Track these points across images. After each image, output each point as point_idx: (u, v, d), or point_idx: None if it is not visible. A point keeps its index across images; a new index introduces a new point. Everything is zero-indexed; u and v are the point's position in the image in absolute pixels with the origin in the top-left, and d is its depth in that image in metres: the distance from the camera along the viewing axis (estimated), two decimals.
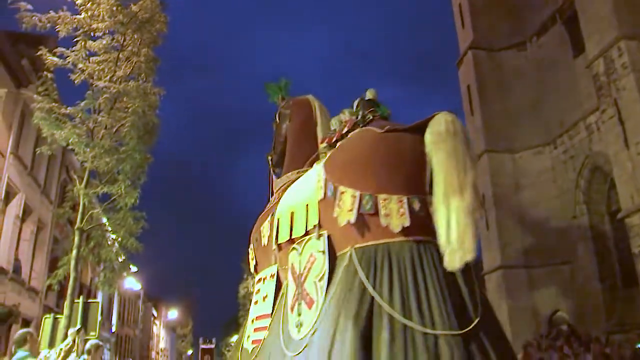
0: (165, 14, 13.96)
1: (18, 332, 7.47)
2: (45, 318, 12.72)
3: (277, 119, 6.90)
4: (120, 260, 14.79)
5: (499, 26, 23.64)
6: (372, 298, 3.89)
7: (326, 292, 4.25)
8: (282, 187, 6.36)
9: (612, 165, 16.60)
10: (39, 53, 12.24)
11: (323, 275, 4.35)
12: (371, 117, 4.93)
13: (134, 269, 37.34)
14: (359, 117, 5.00)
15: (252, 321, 5.99)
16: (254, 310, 6.05)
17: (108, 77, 12.68)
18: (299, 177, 6.25)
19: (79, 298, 12.64)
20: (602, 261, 18.82)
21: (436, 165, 3.94)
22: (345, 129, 5.06)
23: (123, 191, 12.22)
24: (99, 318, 12.57)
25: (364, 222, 4.17)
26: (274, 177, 6.89)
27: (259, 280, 6.14)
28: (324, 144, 5.58)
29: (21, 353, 6.83)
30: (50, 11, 11.95)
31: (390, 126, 4.33)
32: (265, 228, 6.02)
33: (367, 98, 5.17)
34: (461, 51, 24.84)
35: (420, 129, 4.14)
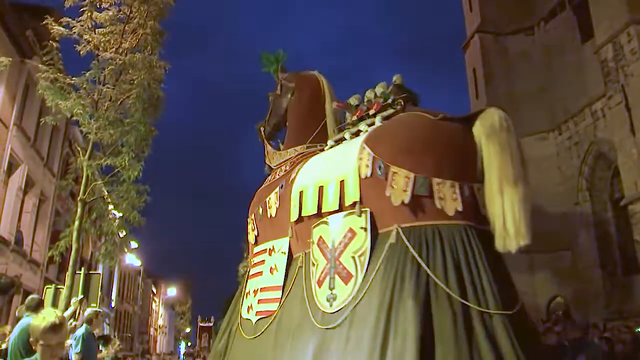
0: None
1: (30, 297, 7.48)
2: (47, 288, 12.79)
3: (279, 90, 6.87)
4: (121, 234, 14.80)
5: (507, 10, 23.41)
6: (428, 277, 4.05)
7: (367, 268, 4.39)
8: (292, 160, 6.34)
9: (617, 152, 16.54)
10: (44, 22, 12.12)
11: (364, 251, 4.47)
12: (402, 103, 5.29)
13: (134, 245, 37.57)
14: (390, 100, 5.35)
15: (255, 292, 5.98)
16: (256, 282, 6.05)
17: (114, 48, 12.57)
18: (309, 151, 6.28)
19: (80, 270, 12.69)
20: (603, 248, 18.84)
21: (491, 157, 4.32)
22: (373, 110, 5.43)
23: (127, 163, 12.15)
24: (100, 290, 12.64)
25: (417, 203, 4.33)
26: (269, 148, 6.86)
27: (262, 251, 6.13)
28: (353, 117, 5.72)
29: (29, 318, 6.82)
30: None
31: (438, 114, 4.65)
32: (271, 199, 6.03)
33: (396, 83, 5.45)
34: (468, 34, 24.65)
35: (469, 120, 4.55)
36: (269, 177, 6.61)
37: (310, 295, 4.78)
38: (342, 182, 4.84)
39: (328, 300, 4.57)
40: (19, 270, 18.10)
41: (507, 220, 4.10)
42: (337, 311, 4.43)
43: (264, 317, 5.57)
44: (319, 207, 5.03)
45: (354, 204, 4.66)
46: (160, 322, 62.94)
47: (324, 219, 4.93)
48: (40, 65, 12.07)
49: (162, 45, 13.52)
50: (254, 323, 5.73)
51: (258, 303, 5.80)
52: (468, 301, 3.89)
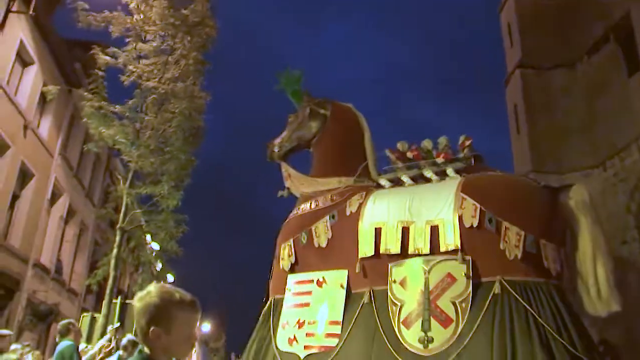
0: (215, 20, 14.11)
1: (61, 322, 7.56)
2: (83, 316, 12.83)
3: (307, 114, 6.74)
4: (159, 266, 14.84)
5: (548, 45, 23.08)
6: (544, 330, 4.48)
7: (468, 314, 4.70)
8: (341, 192, 6.17)
9: None
10: (92, 52, 12.48)
11: (466, 297, 4.77)
12: (474, 159, 5.84)
13: (170, 278, 37.75)
14: (461, 155, 5.91)
15: (300, 324, 5.72)
16: (301, 313, 5.80)
17: (157, 78, 12.84)
18: (360, 185, 6.15)
19: (116, 299, 12.70)
20: None
21: (586, 229, 4.99)
22: (442, 159, 5.90)
23: (166, 192, 12.25)
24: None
25: (526, 259, 4.79)
26: (292, 171, 6.69)
27: (307, 281, 5.93)
28: (439, 158, 5.99)
29: (65, 342, 6.91)
30: (105, 11, 12.18)
31: (532, 179, 5.68)
32: (320, 228, 5.88)
33: (467, 144, 5.99)
34: (509, 70, 24.39)
35: (559, 191, 5.28)
36: (305, 204, 6.42)
37: (392, 334, 4.91)
38: (433, 226, 5.11)
39: (421, 341, 4.76)
40: (58, 299, 18.26)
41: (602, 289, 4.84)
42: (435, 354, 4.67)
43: (318, 353, 5.37)
44: (403, 247, 5.21)
45: (455, 251, 4.93)
46: (194, 358, 62.61)
47: (411, 260, 5.12)
48: (85, 94, 12.36)
49: (204, 75, 13.77)
50: (302, 357, 5.49)
51: (306, 336, 5.56)
52: (580, 353, 4.36)
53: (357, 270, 5.41)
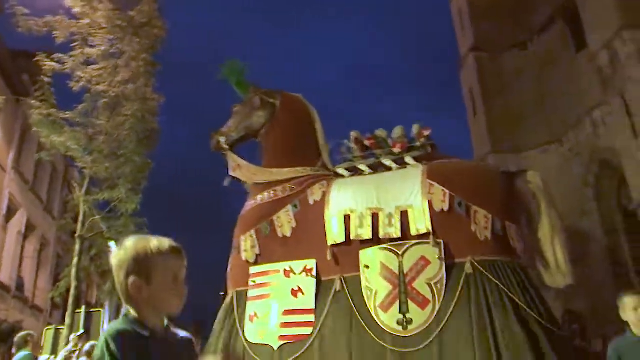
0: (164, 20, 13.87)
1: (18, 334, 7.33)
2: (47, 330, 12.50)
3: (257, 104, 6.63)
4: None
5: (499, 28, 23.48)
6: (516, 304, 4.78)
7: (444, 294, 4.93)
8: (301, 181, 6.12)
9: (621, 158, 16.30)
10: (36, 59, 12.13)
11: (441, 279, 5.01)
12: (431, 148, 6.12)
13: None
14: (418, 144, 6.15)
15: (269, 315, 5.60)
16: (270, 304, 5.66)
17: (107, 82, 12.55)
18: (320, 174, 6.13)
19: (80, 309, 12.40)
20: (615, 258, 18.40)
21: (544, 211, 5.45)
22: (398, 149, 6.10)
23: (124, 195, 12.00)
24: (102, 327, 12.30)
25: (496, 240, 5.14)
26: (242, 161, 6.56)
27: (273, 271, 5.77)
28: (395, 147, 6.19)
29: (22, 353, 6.66)
30: (47, 16, 11.85)
31: (486, 164, 6.19)
32: (282, 218, 5.81)
33: (426, 134, 6.24)
34: (462, 55, 24.73)
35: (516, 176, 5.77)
36: (261, 194, 6.28)
37: (369, 319, 5.04)
38: (403, 212, 5.31)
39: (400, 323, 4.95)
40: (21, 317, 17.75)
41: (560, 263, 5.34)
42: (415, 334, 4.87)
43: (292, 342, 5.29)
44: (374, 233, 5.34)
45: (427, 234, 5.15)
46: None
47: (383, 245, 5.26)
48: (33, 102, 12.01)
49: (155, 76, 13.53)
50: (276, 348, 5.39)
51: (279, 327, 5.47)
52: (551, 326, 4.76)
53: (328, 258, 5.43)
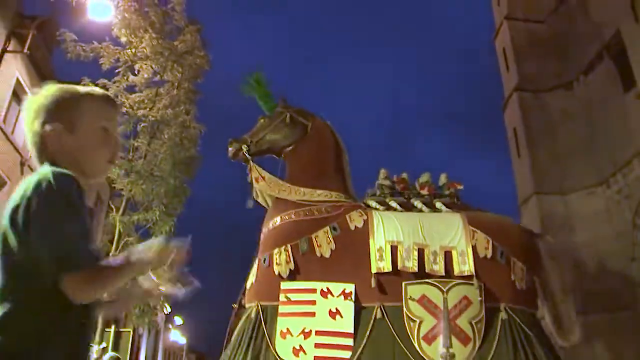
0: (206, 51, 14.28)
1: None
2: None
3: (286, 120, 6.64)
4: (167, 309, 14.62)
5: (544, 67, 23.25)
6: (540, 351, 5.38)
7: (483, 334, 5.36)
8: (336, 205, 6.15)
9: None
10: (81, 83, 12.64)
11: (481, 319, 5.46)
12: (456, 195, 6.65)
13: (179, 321, 37.27)
14: (443, 190, 6.74)
15: (306, 334, 5.45)
16: (306, 322, 5.58)
17: (147, 108, 12.94)
18: (356, 204, 6.24)
19: (110, 328, 12.51)
20: None
21: (554, 274, 6.06)
22: (426, 191, 6.67)
23: (157, 217, 12.17)
24: (130, 348, 12.37)
25: (526, 290, 5.74)
26: (266, 173, 6.56)
27: (309, 290, 5.73)
28: (423, 190, 6.76)
29: None
30: (94, 42, 12.41)
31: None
32: (321, 238, 5.80)
33: (459, 187, 6.87)
34: (506, 94, 24.50)
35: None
36: (291, 211, 6.25)
37: (412, 349, 5.31)
38: (447, 252, 5.72)
39: (444, 357, 5.18)
40: None
41: (571, 323, 6.08)
42: None
43: None
44: (420, 267, 5.67)
45: (470, 276, 5.60)
46: None
47: (430, 280, 5.57)
48: None
49: (196, 105, 13.86)
50: None
51: (315, 347, 5.40)
52: None
53: (372, 285, 5.57)
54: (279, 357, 5.46)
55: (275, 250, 5.90)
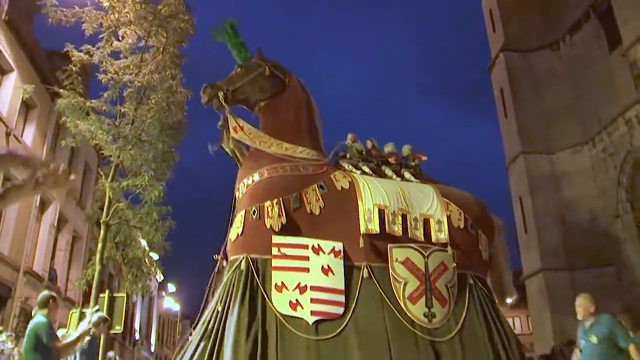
0: (191, 15, 14.08)
1: (42, 293, 7.29)
2: (72, 313, 12.72)
3: (267, 74, 6.42)
4: (150, 263, 14.72)
5: (530, 27, 23.21)
6: (500, 317, 5.96)
7: (456, 297, 5.82)
8: (320, 165, 6.16)
9: None
10: (65, 50, 12.50)
11: (454, 284, 5.88)
12: (416, 170, 6.90)
13: (172, 288, 37.59)
14: (408, 161, 7.00)
15: (302, 289, 5.47)
16: (300, 277, 5.47)
17: (133, 74, 12.83)
18: (336, 166, 6.33)
19: (104, 293, 12.60)
20: None
21: (502, 248, 6.78)
22: (393, 160, 6.93)
23: (147, 182, 12.18)
24: (124, 312, 12.50)
25: (487, 261, 6.29)
26: (244, 123, 6.28)
27: (301, 245, 5.63)
28: (391, 159, 6.95)
29: (39, 318, 6.59)
30: (75, 6, 12.21)
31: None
32: (311, 195, 5.79)
33: (423, 158, 7.14)
34: (492, 55, 24.47)
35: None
36: (279, 165, 6.06)
37: (399, 308, 5.54)
38: (426, 219, 6.01)
39: (426, 316, 5.59)
40: None
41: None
42: (437, 327, 5.58)
43: (328, 320, 5.29)
44: (404, 232, 5.88)
45: (445, 244, 5.93)
46: None
47: (413, 245, 5.85)
48: (61, 91, 12.36)
49: (180, 68, 13.74)
50: (311, 323, 5.28)
51: (311, 302, 5.40)
52: None
53: (360, 245, 5.65)
54: (276, 310, 5.32)
55: (267, 203, 5.71)
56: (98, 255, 12.11)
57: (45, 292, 7.22)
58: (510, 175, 23.10)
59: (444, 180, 7.01)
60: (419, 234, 5.92)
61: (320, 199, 5.79)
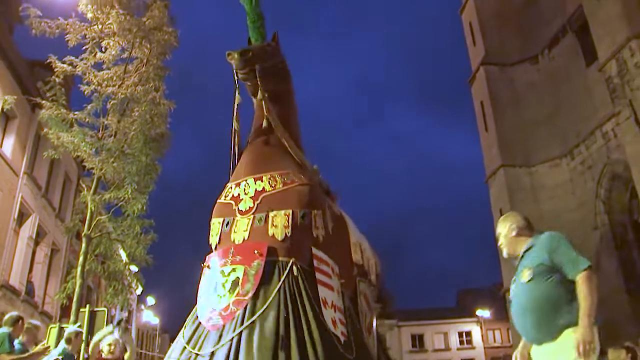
0: (175, 28, 14.05)
1: (9, 314, 7.38)
2: (51, 327, 12.49)
3: (280, 67, 5.88)
4: (130, 276, 14.53)
5: (510, 41, 23.62)
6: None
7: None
8: (319, 182, 5.95)
9: (631, 168, 16.15)
10: (48, 61, 12.39)
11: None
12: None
13: (151, 301, 37.12)
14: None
15: (335, 307, 4.93)
16: (332, 297, 5.00)
17: (116, 86, 12.75)
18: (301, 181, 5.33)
19: (84, 308, 12.42)
20: (628, 271, 18.13)
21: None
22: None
23: (129, 195, 12.08)
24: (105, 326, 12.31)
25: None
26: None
27: (328, 264, 5.16)
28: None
29: (2, 329, 6.75)
30: (59, 18, 12.12)
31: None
32: (327, 213, 5.59)
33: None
34: (473, 68, 24.81)
35: None
36: (300, 169, 5.42)
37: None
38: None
39: None
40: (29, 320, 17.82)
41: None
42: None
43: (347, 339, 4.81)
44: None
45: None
46: None
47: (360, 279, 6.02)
48: (44, 102, 12.23)
49: (164, 82, 13.68)
50: (342, 342, 4.68)
51: (340, 323, 4.83)
52: None
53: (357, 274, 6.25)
54: (327, 327, 4.63)
55: (315, 212, 5.21)
56: (79, 269, 11.94)
57: (14, 313, 7.33)
58: (490, 187, 23.36)
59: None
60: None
61: (331, 220, 5.42)
